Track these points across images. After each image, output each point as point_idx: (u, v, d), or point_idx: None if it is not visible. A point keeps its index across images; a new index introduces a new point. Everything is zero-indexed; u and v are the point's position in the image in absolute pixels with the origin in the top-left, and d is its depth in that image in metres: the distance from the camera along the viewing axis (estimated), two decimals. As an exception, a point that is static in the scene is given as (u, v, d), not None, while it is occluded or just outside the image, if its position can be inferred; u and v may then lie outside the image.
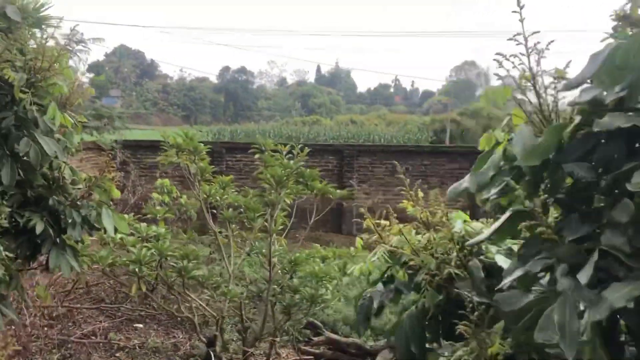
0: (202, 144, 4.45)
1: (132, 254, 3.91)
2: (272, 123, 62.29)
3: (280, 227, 5.37)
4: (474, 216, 2.92)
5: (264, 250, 5.23)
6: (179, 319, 5.85)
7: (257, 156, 5.05)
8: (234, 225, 5.34)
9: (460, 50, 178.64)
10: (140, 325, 7.57)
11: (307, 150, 4.62)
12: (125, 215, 4.37)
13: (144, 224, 4.19)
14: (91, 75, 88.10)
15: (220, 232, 5.31)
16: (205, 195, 4.86)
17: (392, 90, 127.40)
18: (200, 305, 4.54)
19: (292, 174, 4.45)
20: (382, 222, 2.65)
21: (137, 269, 3.94)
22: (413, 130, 46.15)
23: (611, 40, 1.68)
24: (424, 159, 13.44)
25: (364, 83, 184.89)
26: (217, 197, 4.91)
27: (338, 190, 4.77)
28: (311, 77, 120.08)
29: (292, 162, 4.51)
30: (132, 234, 4.16)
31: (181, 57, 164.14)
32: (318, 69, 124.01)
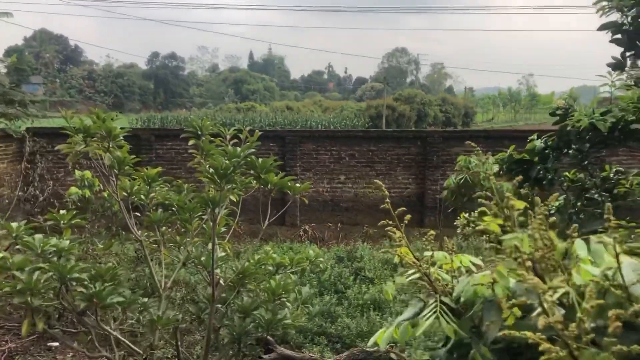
0: (118, 127, 3.34)
1: (18, 280, 2.79)
2: (204, 110, 60.27)
3: (224, 228, 4.36)
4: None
5: (203, 259, 4.21)
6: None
7: (191, 142, 3.99)
8: (164, 228, 4.27)
9: (391, 37, 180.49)
10: (56, 344, 6.37)
11: (258, 133, 3.61)
12: (14, 224, 3.23)
13: (38, 236, 3.06)
14: (8, 60, 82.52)
15: (147, 236, 4.23)
16: (124, 193, 3.76)
17: (326, 76, 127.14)
18: (122, 340, 3.46)
19: (240, 165, 3.43)
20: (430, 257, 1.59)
21: (27, 300, 2.83)
22: (350, 116, 45.66)
23: None
24: (371, 144, 12.63)
25: (297, 69, 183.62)
26: (142, 196, 3.82)
27: (298, 184, 3.80)
28: (244, 64, 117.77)
29: (239, 149, 3.49)
30: (20, 251, 3.03)
31: (107, 37, 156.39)
32: (251, 55, 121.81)
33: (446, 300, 1.23)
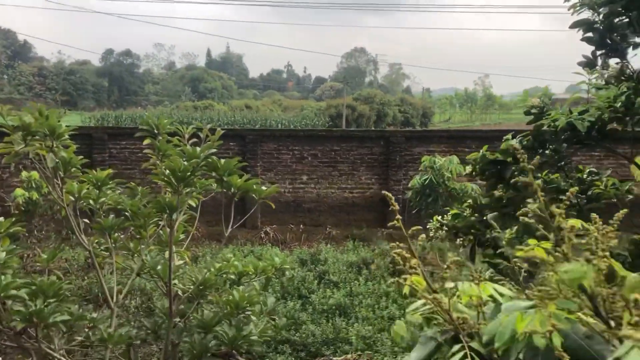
0: (62, 125, 2.98)
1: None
2: (160, 108, 59.01)
3: (182, 235, 4.04)
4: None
5: (159, 268, 3.88)
6: None
7: (147, 142, 3.66)
8: (117, 235, 3.92)
9: (350, 35, 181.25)
10: (-1, 360, 5.91)
11: (219, 132, 3.32)
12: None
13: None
14: (-48, 55, 78.80)
15: (98, 242, 3.87)
16: (71, 197, 3.40)
17: (284, 75, 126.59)
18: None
19: (200, 167, 3.13)
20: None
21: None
22: (310, 115, 45.45)
23: None
24: (334, 144, 12.42)
25: (256, 68, 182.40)
26: (90, 200, 3.46)
27: (264, 187, 3.51)
28: (201, 61, 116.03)
29: (198, 149, 3.18)
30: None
31: (59, 32, 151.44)
32: (208, 53, 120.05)
33: (474, 344, 0.98)
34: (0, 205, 8.77)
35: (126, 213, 3.79)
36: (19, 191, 8.19)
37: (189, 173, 3.01)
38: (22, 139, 2.96)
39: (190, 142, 3.48)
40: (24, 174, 9.34)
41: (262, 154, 12.36)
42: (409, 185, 8.81)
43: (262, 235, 11.70)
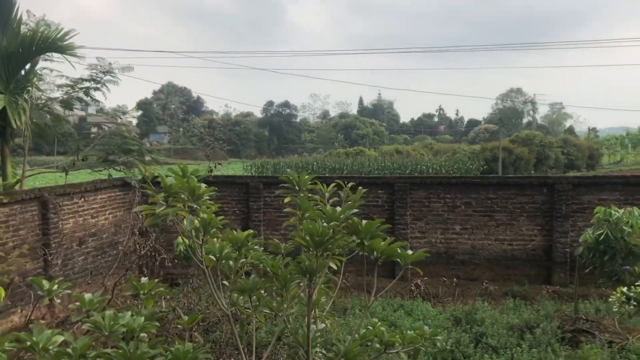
0: (202, 185, 2.92)
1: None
2: (315, 155, 61.23)
3: (324, 298, 3.80)
4: None
5: (300, 334, 3.65)
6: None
7: (287, 200, 3.50)
8: (261, 292, 3.77)
9: (504, 77, 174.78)
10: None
11: (361, 191, 3.04)
12: (87, 296, 2.88)
13: (109, 312, 2.66)
14: (139, 113, 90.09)
15: (232, 308, 3.75)
16: (213, 258, 3.32)
17: (436, 119, 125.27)
18: None
19: (340, 229, 2.86)
20: None
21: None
22: (463, 159, 44.04)
23: None
24: (490, 192, 11.62)
25: (407, 113, 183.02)
26: (230, 262, 3.36)
27: (410, 251, 3.14)
28: (354, 109, 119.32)
29: (339, 209, 2.93)
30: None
31: (226, 88, 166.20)
32: (360, 101, 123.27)
33: None
34: (168, 250, 9.32)
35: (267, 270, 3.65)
36: (180, 239, 8.63)
37: (327, 237, 2.75)
38: (164, 200, 2.93)
39: (331, 200, 3.24)
40: (186, 220, 9.88)
41: (411, 202, 11.94)
42: (580, 240, 7.78)
43: (412, 288, 11.15)
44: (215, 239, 3.37)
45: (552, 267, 11.33)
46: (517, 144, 49.03)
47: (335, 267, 3.31)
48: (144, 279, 3.28)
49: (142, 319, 2.80)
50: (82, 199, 10.96)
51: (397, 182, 11.96)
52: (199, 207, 2.96)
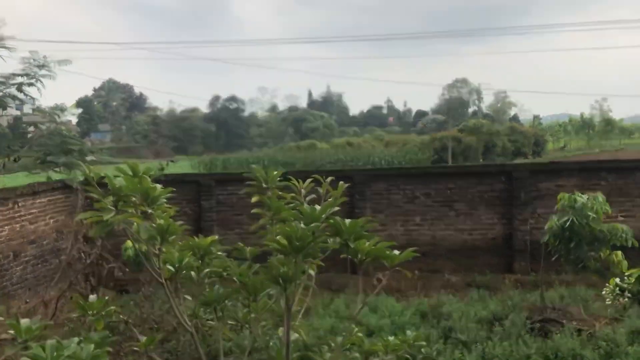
0: (157, 187, 2.47)
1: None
2: (265, 150, 60.56)
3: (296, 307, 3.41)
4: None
5: (272, 347, 3.25)
6: None
7: (255, 199, 3.09)
8: (226, 302, 3.35)
9: (449, 67, 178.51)
10: None
11: (343, 186, 2.67)
12: (24, 322, 2.39)
13: (50, 342, 2.18)
14: (80, 110, 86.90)
15: (197, 320, 3.32)
16: (171, 268, 2.88)
17: (385, 111, 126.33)
18: None
19: (321, 231, 2.48)
20: None
21: None
22: (413, 150, 44.42)
23: None
24: (449, 181, 11.47)
25: (356, 105, 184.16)
26: (192, 272, 2.92)
27: (397, 252, 2.80)
28: (303, 102, 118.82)
29: (318, 208, 2.54)
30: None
31: (169, 82, 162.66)
32: (309, 94, 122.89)
33: None
34: (114, 259, 8.69)
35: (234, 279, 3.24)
36: (128, 243, 8.03)
37: (308, 241, 2.36)
38: (113, 205, 2.47)
39: (308, 198, 2.85)
40: (136, 224, 9.26)
41: (371, 194, 11.66)
42: (546, 227, 7.67)
43: (375, 283, 10.88)
44: (173, 247, 2.93)
45: (513, 256, 11.30)
46: (465, 133, 49.83)
47: (313, 273, 2.93)
48: (92, 297, 2.80)
49: (92, 346, 2.33)
50: (18, 205, 10.15)
51: (357, 175, 11.65)
52: (154, 212, 2.51)
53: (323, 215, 2.49)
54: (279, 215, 2.97)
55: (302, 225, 2.46)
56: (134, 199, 2.45)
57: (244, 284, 3.09)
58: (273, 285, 2.94)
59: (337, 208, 2.61)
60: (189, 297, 3.09)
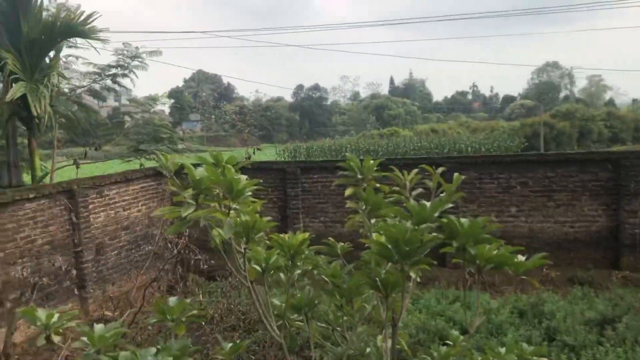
0: (242, 178, 2.16)
1: None
2: (347, 137, 60.24)
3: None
4: None
5: (369, 352, 2.91)
6: None
7: (349, 192, 2.73)
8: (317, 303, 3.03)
9: (540, 51, 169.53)
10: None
11: (459, 178, 2.25)
12: (99, 328, 2.18)
13: (124, 354, 1.95)
14: (172, 101, 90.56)
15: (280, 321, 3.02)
16: (258, 268, 2.58)
17: (470, 97, 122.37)
18: None
19: (432, 233, 2.07)
20: None
21: None
22: (502, 136, 42.47)
23: None
24: (547, 170, 10.61)
25: (439, 92, 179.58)
26: (281, 274, 2.61)
27: (521, 257, 2.34)
28: (385, 90, 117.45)
29: (427, 204, 2.14)
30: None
31: (256, 72, 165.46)
32: (391, 81, 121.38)
33: None
34: (205, 242, 8.65)
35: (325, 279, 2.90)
36: (215, 232, 7.95)
37: (417, 246, 1.97)
38: (193, 199, 2.19)
39: (415, 192, 2.45)
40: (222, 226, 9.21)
41: (461, 183, 11.00)
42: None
43: (467, 277, 10.29)
44: (260, 246, 2.63)
45: (619, 250, 10.31)
46: (558, 118, 47.09)
47: (418, 279, 2.54)
48: (172, 299, 2.55)
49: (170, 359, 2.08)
50: (112, 191, 10.42)
51: (446, 163, 11.03)
52: (238, 208, 2.21)
53: (435, 214, 2.09)
54: (377, 212, 2.60)
55: (409, 225, 2.07)
56: (216, 191, 2.16)
57: (337, 287, 2.74)
58: (372, 290, 2.58)
59: (450, 205, 2.20)
60: (277, 302, 2.78)
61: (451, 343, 3.02)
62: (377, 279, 2.40)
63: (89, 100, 15.02)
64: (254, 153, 8.11)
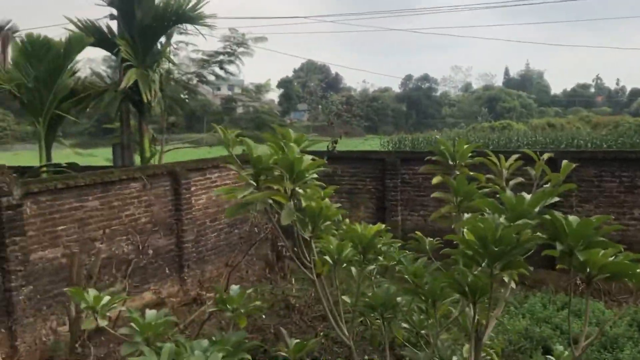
0: (305, 158, 1.89)
1: None
2: (456, 130, 58.36)
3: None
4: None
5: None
6: None
7: (436, 180, 2.37)
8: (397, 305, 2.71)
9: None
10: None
11: (569, 166, 1.83)
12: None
13: (168, 346, 1.76)
14: (281, 91, 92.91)
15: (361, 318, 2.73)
16: (328, 260, 2.31)
17: (592, 90, 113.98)
18: None
19: (532, 231, 1.68)
20: None
21: None
22: (627, 132, 38.95)
23: None
24: (682, 169, 9.41)
25: (558, 84, 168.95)
26: (352, 269, 2.32)
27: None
28: (499, 81, 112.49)
29: (526, 197, 1.75)
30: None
31: (363, 62, 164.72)
32: (506, 72, 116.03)
33: None
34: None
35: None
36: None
37: (511, 247, 1.59)
38: (254, 180, 1.95)
39: (512, 182, 2.05)
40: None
41: (577, 180, 10.05)
42: None
43: (578, 282, 9.39)
44: (331, 235, 2.35)
45: None
46: (697, 114, 42.38)
47: (514, 285, 2.14)
48: (234, 288, 2.35)
49: (220, 355, 1.85)
50: (213, 174, 10.64)
51: (562, 158, 10.11)
52: (302, 191, 1.94)
53: (536, 209, 1.70)
54: (468, 203, 2.22)
55: (502, 221, 1.70)
56: (277, 173, 1.91)
57: (419, 288, 2.41)
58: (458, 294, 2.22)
59: (556, 199, 1.79)
60: (347, 299, 2.49)
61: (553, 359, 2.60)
62: (464, 282, 2.03)
63: (203, 88, 15.56)
64: (339, 139, 7.83)
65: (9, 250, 6.75)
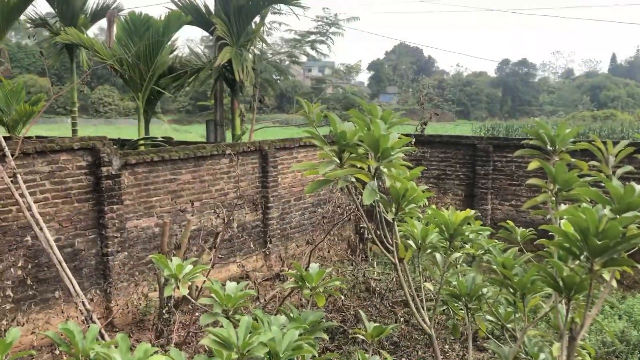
0: (393, 136, 1.81)
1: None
2: (554, 118, 55.47)
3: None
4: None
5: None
6: None
7: (533, 166, 2.20)
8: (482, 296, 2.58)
9: None
10: None
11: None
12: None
13: (245, 319, 1.76)
14: (371, 73, 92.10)
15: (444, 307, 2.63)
16: (412, 245, 2.22)
17: None
18: None
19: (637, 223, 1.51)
20: None
21: None
22: None
23: None
24: None
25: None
26: (437, 254, 2.22)
27: None
28: (604, 68, 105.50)
29: (637, 187, 1.57)
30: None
31: (458, 44, 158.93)
32: (613, 58, 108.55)
33: None
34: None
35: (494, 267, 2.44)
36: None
37: (617, 239, 1.43)
38: (337, 156, 1.89)
39: (620, 170, 1.86)
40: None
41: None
42: None
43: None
44: (416, 219, 2.26)
45: None
46: None
47: (614, 284, 1.96)
48: (313, 265, 2.32)
49: (296, 333, 1.83)
50: (302, 154, 10.73)
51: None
52: (387, 170, 1.86)
53: (646, 200, 1.52)
54: (567, 192, 2.05)
55: (606, 212, 1.54)
56: (361, 150, 1.84)
57: (508, 279, 2.27)
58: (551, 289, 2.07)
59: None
60: (430, 287, 2.40)
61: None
62: (558, 276, 1.88)
63: (294, 70, 15.73)
64: (428, 120, 7.63)
65: (107, 217, 7.18)
